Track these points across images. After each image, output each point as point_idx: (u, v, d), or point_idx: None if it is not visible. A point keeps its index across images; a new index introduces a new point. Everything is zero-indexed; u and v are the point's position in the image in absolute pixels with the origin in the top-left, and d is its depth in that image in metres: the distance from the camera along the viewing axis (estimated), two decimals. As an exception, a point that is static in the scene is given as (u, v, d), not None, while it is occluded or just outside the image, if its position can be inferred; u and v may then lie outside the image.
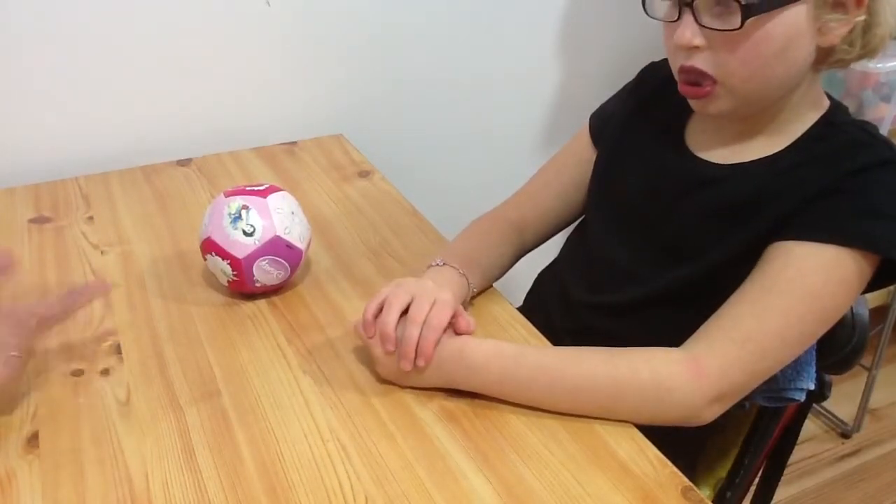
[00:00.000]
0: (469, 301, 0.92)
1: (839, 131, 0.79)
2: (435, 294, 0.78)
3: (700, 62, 0.76)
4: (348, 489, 0.69)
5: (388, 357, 0.78)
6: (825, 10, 0.73)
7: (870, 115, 1.59)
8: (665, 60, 0.84)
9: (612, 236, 0.92)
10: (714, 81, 0.77)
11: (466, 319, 0.79)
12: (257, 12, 1.32)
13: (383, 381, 0.81)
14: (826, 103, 0.82)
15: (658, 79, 0.91)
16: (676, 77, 0.80)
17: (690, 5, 0.74)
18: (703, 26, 0.74)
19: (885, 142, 0.77)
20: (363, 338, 0.80)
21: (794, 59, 0.75)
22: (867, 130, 0.79)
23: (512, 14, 1.53)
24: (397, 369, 0.78)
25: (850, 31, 0.74)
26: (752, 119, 0.81)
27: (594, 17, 1.59)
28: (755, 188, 0.79)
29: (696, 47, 0.76)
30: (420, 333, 0.76)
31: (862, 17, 0.73)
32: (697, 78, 0.77)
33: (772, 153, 0.81)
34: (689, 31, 0.75)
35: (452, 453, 0.72)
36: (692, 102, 0.81)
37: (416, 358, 0.76)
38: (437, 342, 0.76)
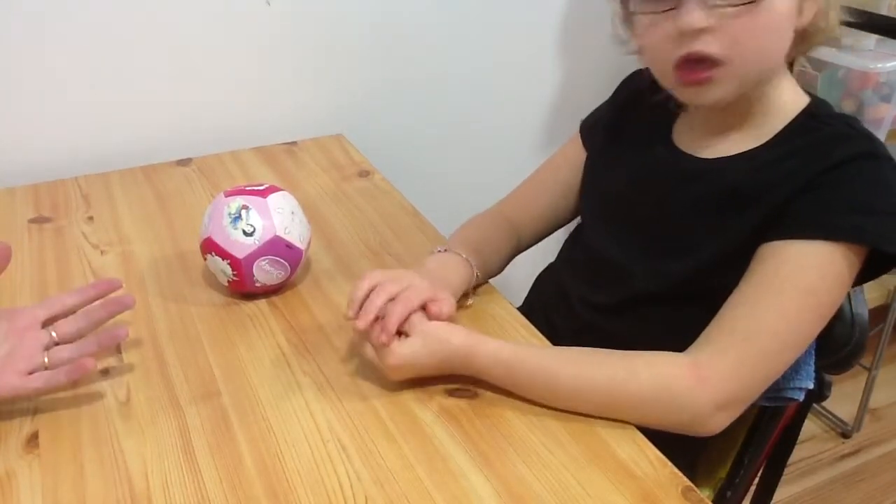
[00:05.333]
0: (473, 290, 0.92)
1: (822, 124, 0.79)
2: (409, 280, 0.80)
3: (707, 45, 0.73)
4: (348, 489, 0.69)
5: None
6: None
7: (870, 115, 1.59)
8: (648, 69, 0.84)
9: (605, 235, 0.92)
10: (718, 65, 0.74)
11: (439, 306, 0.79)
12: (257, 12, 1.32)
13: (384, 381, 0.80)
14: (805, 97, 0.82)
15: (643, 82, 0.92)
16: (668, 72, 0.78)
17: None
18: (714, 5, 0.72)
19: (866, 134, 0.78)
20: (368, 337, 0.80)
21: (784, 41, 0.76)
22: (849, 123, 0.79)
23: (512, 14, 1.53)
24: (399, 361, 0.77)
25: (817, 14, 0.75)
26: (731, 113, 0.82)
27: (594, 17, 1.59)
28: (741, 181, 0.80)
29: (703, 30, 0.73)
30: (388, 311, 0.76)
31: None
32: (700, 64, 0.75)
33: (755, 146, 0.81)
34: (697, 13, 0.72)
35: (452, 453, 0.72)
36: (687, 93, 0.79)
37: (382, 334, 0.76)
38: (399, 320, 0.76)
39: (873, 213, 0.74)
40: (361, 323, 0.76)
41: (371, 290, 0.79)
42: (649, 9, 0.76)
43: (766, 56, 0.76)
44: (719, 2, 0.72)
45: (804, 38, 0.77)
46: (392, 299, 0.78)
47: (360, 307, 0.78)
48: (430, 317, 0.78)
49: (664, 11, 0.74)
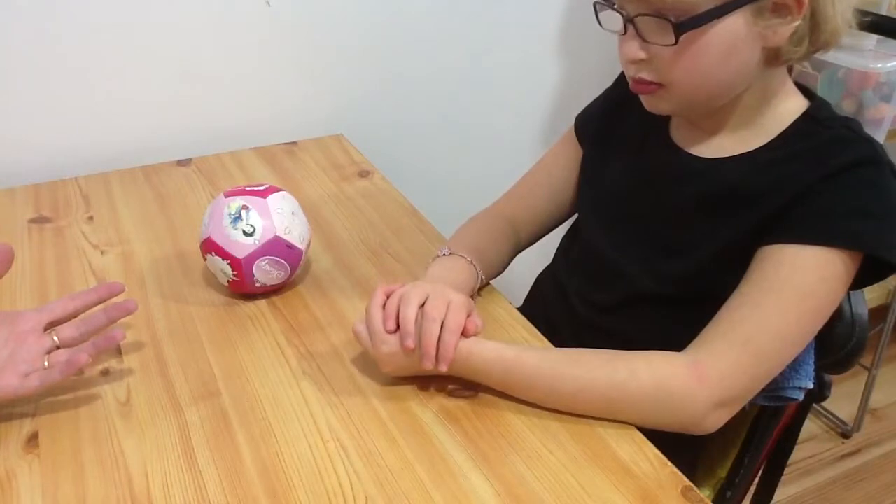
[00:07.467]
0: (477, 292, 0.92)
1: (822, 128, 0.79)
2: (450, 296, 0.78)
3: (645, 73, 0.79)
4: (348, 489, 0.69)
5: (392, 351, 0.77)
6: (764, 16, 0.73)
7: (870, 115, 1.59)
8: None
9: (602, 233, 0.92)
10: (660, 85, 0.79)
11: (475, 321, 0.79)
12: (257, 12, 1.32)
13: (384, 381, 0.81)
14: (803, 99, 0.82)
15: None
16: (629, 79, 0.82)
17: (632, 21, 0.76)
18: (645, 41, 0.76)
19: (867, 139, 0.78)
20: (362, 338, 0.79)
21: (738, 64, 0.76)
22: (850, 127, 0.79)
23: (512, 13, 1.53)
24: (403, 362, 0.77)
25: (795, 32, 0.74)
26: (721, 114, 0.82)
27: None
28: (739, 182, 0.80)
29: (641, 60, 0.78)
30: (440, 336, 0.75)
31: (802, 20, 0.73)
32: (644, 82, 0.80)
33: (753, 148, 0.81)
34: (632, 46, 0.77)
35: (452, 453, 0.72)
36: (643, 100, 0.83)
37: (437, 361, 0.75)
38: (457, 345, 0.76)
39: (872, 220, 0.74)
40: (411, 343, 0.75)
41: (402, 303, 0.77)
42: (608, 28, 0.81)
43: (711, 79, 0.77)
44: (649, 39, 0.76)
45: (777, 56, 0.77)
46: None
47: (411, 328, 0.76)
48: (468, 333, 0.77)
49: (621, 35, 0.79)
